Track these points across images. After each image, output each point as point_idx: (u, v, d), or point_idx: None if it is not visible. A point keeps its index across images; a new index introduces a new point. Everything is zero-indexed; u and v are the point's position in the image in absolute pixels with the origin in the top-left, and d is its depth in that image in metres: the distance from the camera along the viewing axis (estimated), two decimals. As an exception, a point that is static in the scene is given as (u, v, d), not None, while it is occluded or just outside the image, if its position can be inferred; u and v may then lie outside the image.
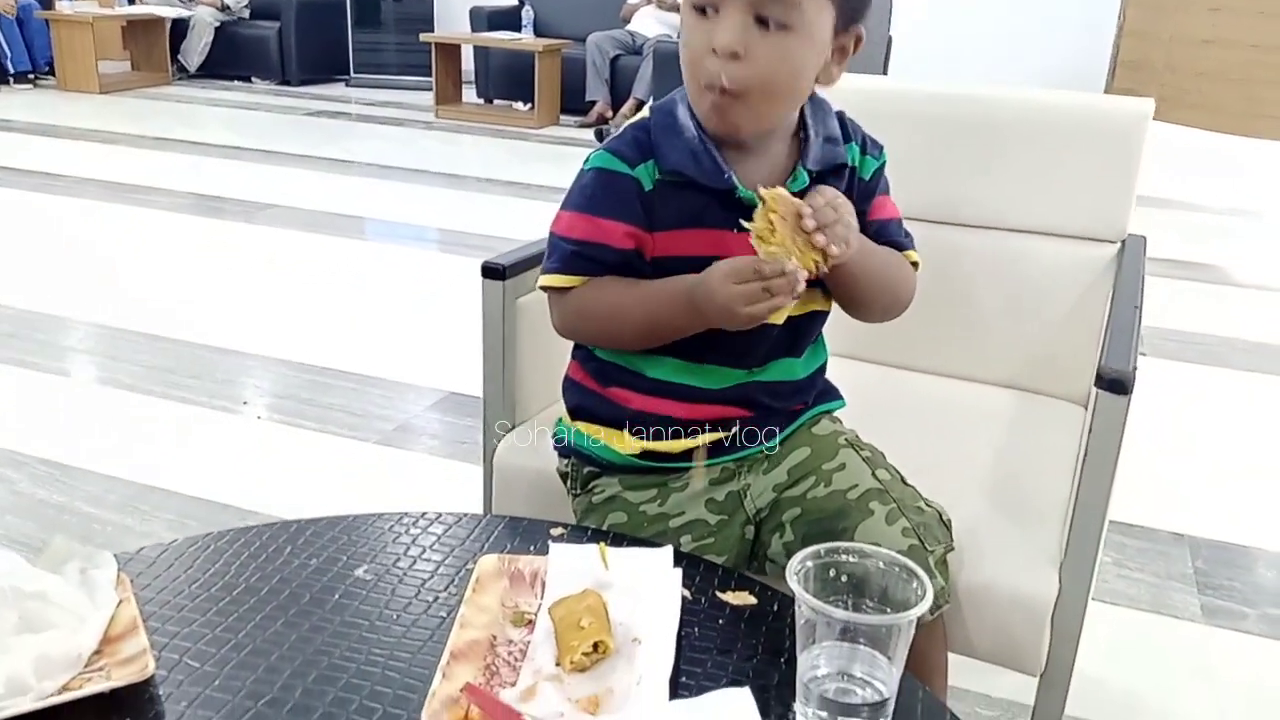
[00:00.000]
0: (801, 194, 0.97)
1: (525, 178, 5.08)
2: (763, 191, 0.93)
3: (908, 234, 1.15)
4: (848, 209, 0.97)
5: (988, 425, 1.37)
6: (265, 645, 0.81)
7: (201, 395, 2.54)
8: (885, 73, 5.26)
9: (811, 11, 0.95)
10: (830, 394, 1.18)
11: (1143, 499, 2.21)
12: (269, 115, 6.60)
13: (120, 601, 0.80)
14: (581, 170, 1.06)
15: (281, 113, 6.69)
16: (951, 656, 1.10)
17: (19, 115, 6.22)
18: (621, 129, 1.07)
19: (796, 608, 0.73)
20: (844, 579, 0.75)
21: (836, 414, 1.18)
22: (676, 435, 1.08)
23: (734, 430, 1.09)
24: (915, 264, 1.14)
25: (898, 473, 1.10)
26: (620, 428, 1.10)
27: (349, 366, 2.72)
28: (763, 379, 1.08)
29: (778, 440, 1.10)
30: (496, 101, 6.99)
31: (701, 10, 0.97)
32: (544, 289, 1.09)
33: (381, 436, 2.37)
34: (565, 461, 1.16)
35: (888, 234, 1.12)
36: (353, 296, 3.35)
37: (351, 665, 0.79)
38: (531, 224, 4.13)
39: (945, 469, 1.20)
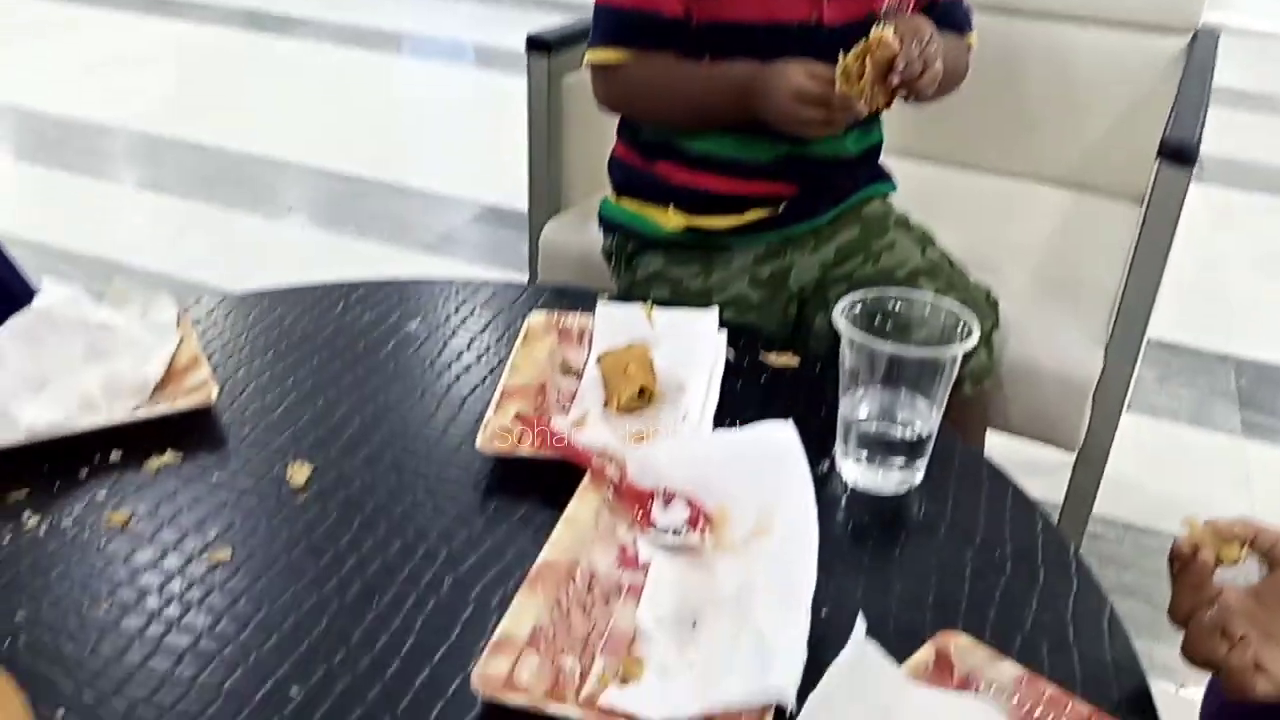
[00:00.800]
0: None
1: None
2: (873, 34, 0.89)
3: (968, 12, 1.10)
4: (935, 52, 0.92)
5: (1042, 220, 1.35)
6: (322, 384, 0.84)
7: (246, 201, 2.55)
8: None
9: None
10: (883, 177, 1.16)
11: (1189, 320, 2.19)
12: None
13: (182, 339, 0.83)
14: None
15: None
16: (989, 442, 1.12)
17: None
18: None
19: (841, 352, 0.74)
20: (890, 324, 0.75)
21: (891, 197, 1.16)
22: (722, 210, 1.07)
23: (781, 207, 1.07)
24: (970, 45, 1.10)
25: (946, 254, 1.08)
26: (665, 203, 1.09)
27: (390, 178, 2.71)
28: (812, 153, 1.06)
29: (826, 217, 1.09)
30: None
31: None
32: (591, 65, 1.06)
33: (423, 245, 2.38)
34: (610, 239, 1.16)
35: (952, 16, 1.08)
36: (393, 110, 3.31)
37: (405, 404, 0.82)
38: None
39: (997, 258, 1.19)
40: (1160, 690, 0.60)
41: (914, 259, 1.05)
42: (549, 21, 4.13)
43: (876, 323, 0.76)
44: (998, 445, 1.15)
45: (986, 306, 1.05)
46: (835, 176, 1.09)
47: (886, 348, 0.71)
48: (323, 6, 4.42)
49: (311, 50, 3.90)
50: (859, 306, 0.75)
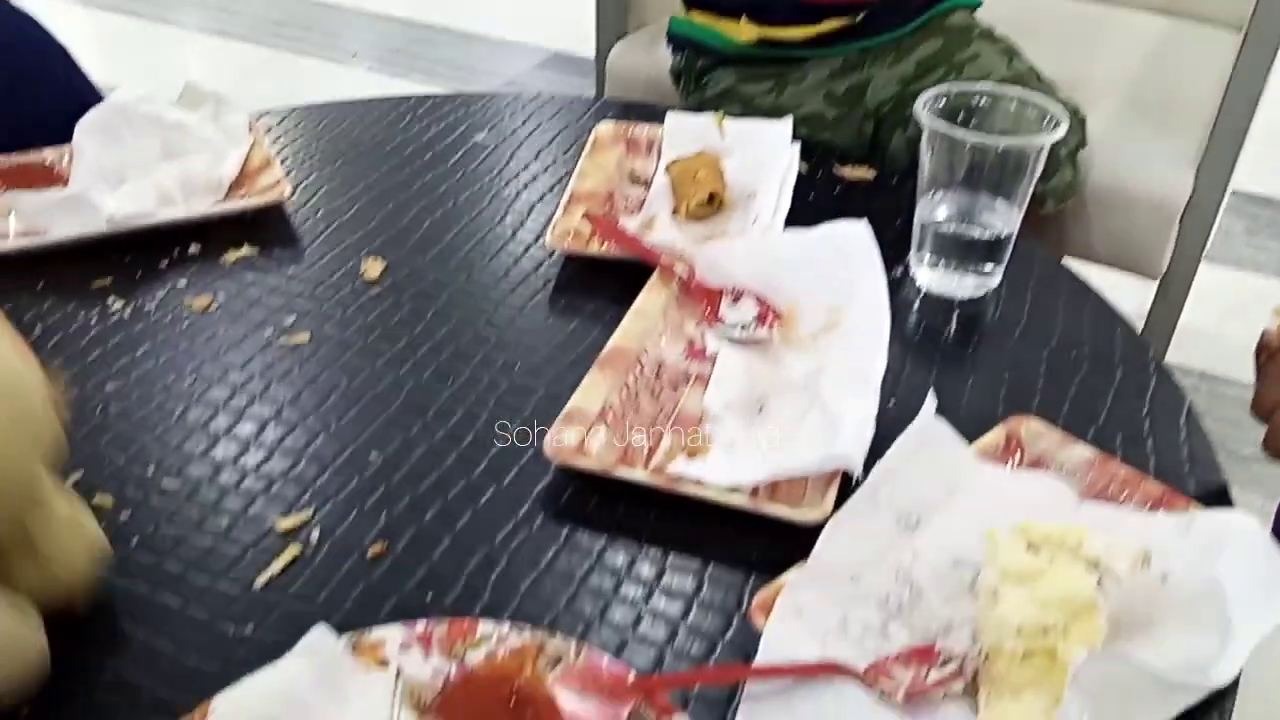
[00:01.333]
0: None
1: None
2: None
3: None
4: None
5: (1136, 44, 1.28)
6: (392, 189, 0.84)
7: (311, 46, 2.53)
8: None
9: None
10: None
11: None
12: None
13: (254, 143, 0.83)
14: None
15: None
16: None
17: None
18: None
19: (921, 151, 0.71)
20: (974, 120, 0.72)
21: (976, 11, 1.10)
22: (798, 20, 1.03)
23: (859, 15, 1.03)
24: None
25: (1034, 68, 1.04)
26: (738, 14, 1.05)
27: (454, 23, 2.66)
28: None
29: (908, 28, 1.04)
30: None
31: None
32: None
33: (493, 90, 2.35)
34: (679, 57, 1.13)
35: None
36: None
37: (474, 208, 0.82)
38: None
39: (1088, 80, 1.14)
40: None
41: (999, 70, 1.01)
42: None
43: (960, 119, 0.73)
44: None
45: (1075, 123, 1.00)
46: None
47: (970, 137, 0.68)
48: None
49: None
50: (943, 100, 0.72)
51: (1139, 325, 1.17)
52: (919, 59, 1.04)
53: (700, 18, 1.08)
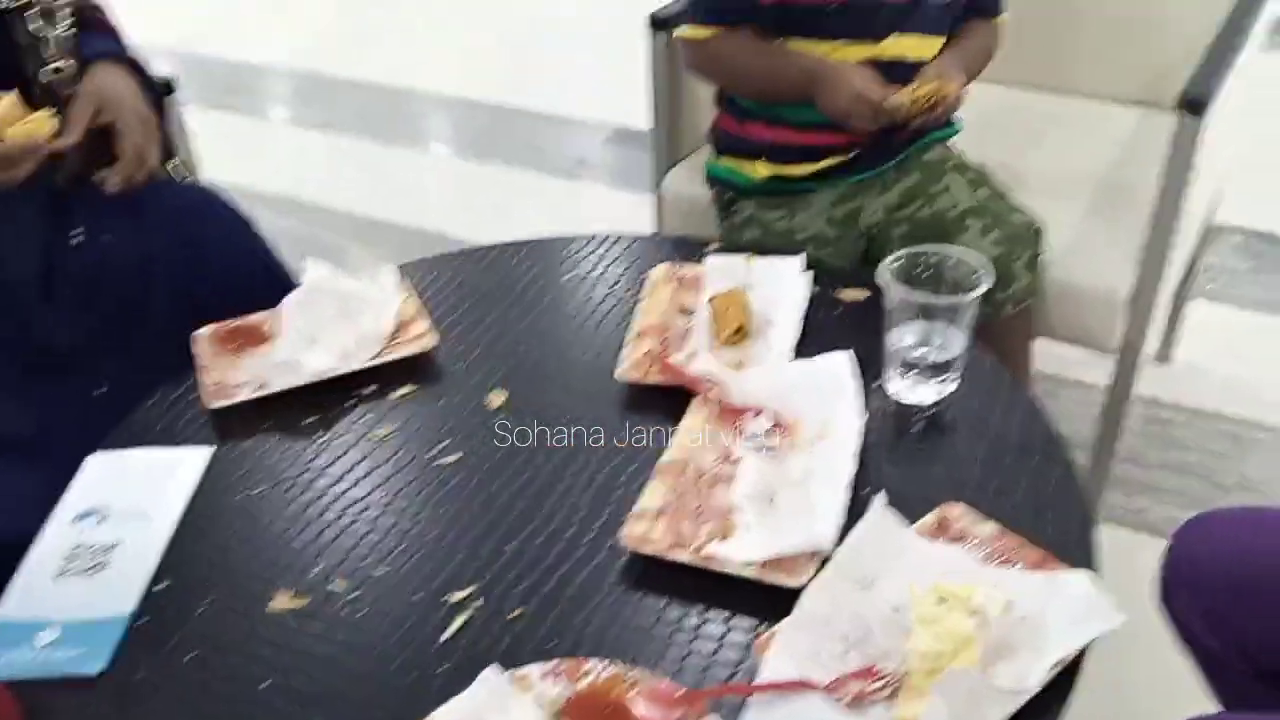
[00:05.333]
0: None
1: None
2: (938, 88, 1.17)
3: None
4: (954, 87, 1.19)
5: (1102, 138, 1.51)
6: (509, 325, 1.13)
7: (404, 135, 2.87)
8: None
9: None
10: (944, 122, 1.35)
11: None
12: None
13: (405, 297, 1.13)
14: None
15: None
16: (1044, 353, 1.33)
17: None
18: None
19: (885, 296, 0.98)
20: (924, 274, 0.98)
21: (952, 140, 1.36)
22: (802, 159, 1.30)
23: (852, 153, 1.29)
24: (999, 25, 1.33)
25: (999, 189, 1.29)
26: (755, 157, 1.32)
27: (526, 104, 2.97)
28: None
29: (890, 164, 1.30)
30: None
31: None
32: (682, 40, 1.29)
33: (561, 171, 2.65)
34: (713, 190, 1.41)
35: (985, 2, 1.30)
36: (525, 32, 3.54)
37: (565, 343, 1.11)
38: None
39: (1053, 180, 1.38)
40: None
41: (964, 200, 1.26)
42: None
43: (915, 272, 0.99)
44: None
45: (1030, 235, 1.25)
46: (897, 130, 1.29)
47: (917, 297, 0.94)
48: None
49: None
50: (899, 261, 0.98)
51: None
52: (901, 190, 1.31)
53: (727, 160, 1.36)
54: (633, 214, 2.42)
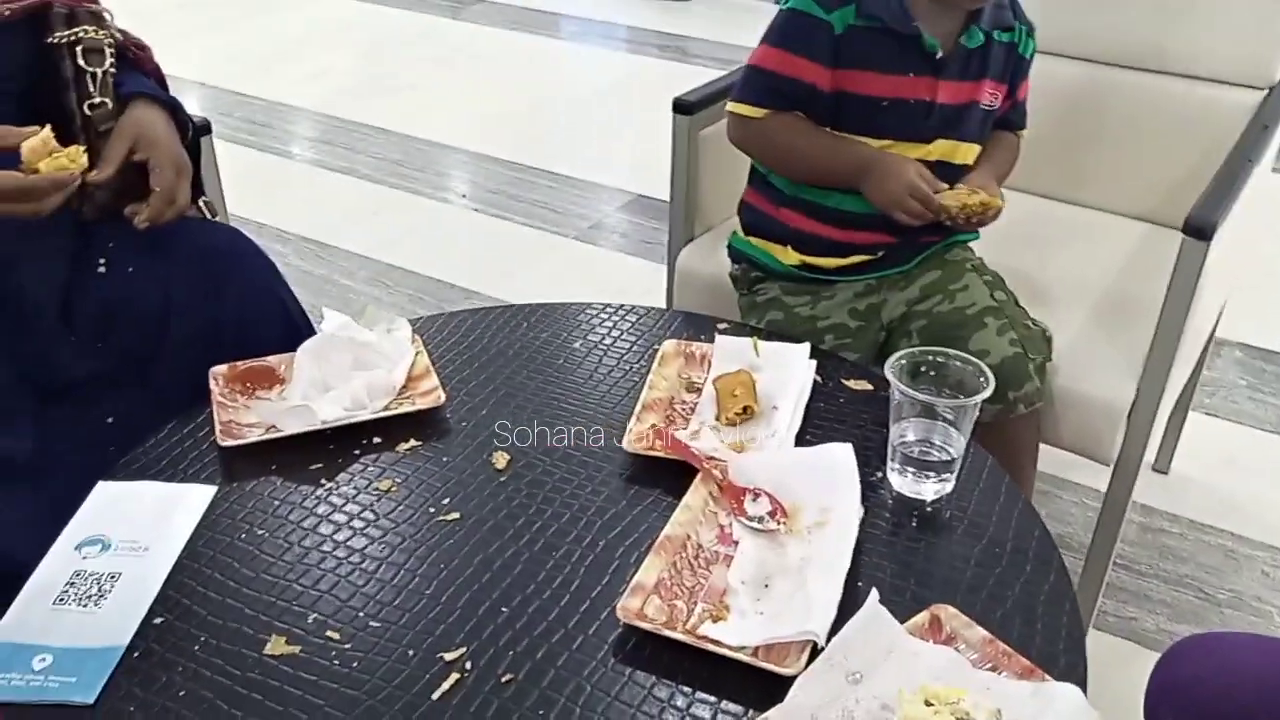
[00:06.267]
0: (976, 49, 1.26)
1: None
2: (986, 200, 1.23)
3: (1025, 112, 1.37)
4: (1000, 203, 1.25)
5: (1112, 252, 1.54)
6: (516, 388, 1.14)
7: (426, 186, 2.92)
8: None
9: None
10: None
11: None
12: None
13: (417, 352, 1.15)
14: (780, 9, 1.28)
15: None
16: (1045, 452, 1.35)
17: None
18: None
19: (891, 392, 1.00)
20: (930, 373, 1.01)
21: (971, 244, 1.39)
22: (832, 254, 1.33)
23: (879, 252, 1.32)
24: (1020, 137, 1.40)
25: (1013, 295, 1.32)
26: (785, 243, 1.35)
27: (550, 165, 3.03)
28: None
29: (914, 263, 1.33)
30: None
31: None
32: (731, 113, 1.32)
33: (578, 232, 2.70)
34: (736, 266, 1.44)
35: (1015, 115, 1.36)
36: (552, 94, 3.62)
37: (572, 409, 1.12)
38: (719, 28, 4.25)
39: (1063, 289, 1.41)
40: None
41: (983, 300, 1.29)
42: (696, 8, 4.31)
43: (921, 370, 1.01)
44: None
45: (1042, 342, 1.28)
46: (925, 232, 1.33)
47: (921, 396, 0.96)
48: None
49: (476, 33, 4.24)
50: (904, 360, 1.00)
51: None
52: (922, 285, 1.33)
53: (756, 241, 1.39)
54: (644, 281, 2.46)
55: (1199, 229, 1.15)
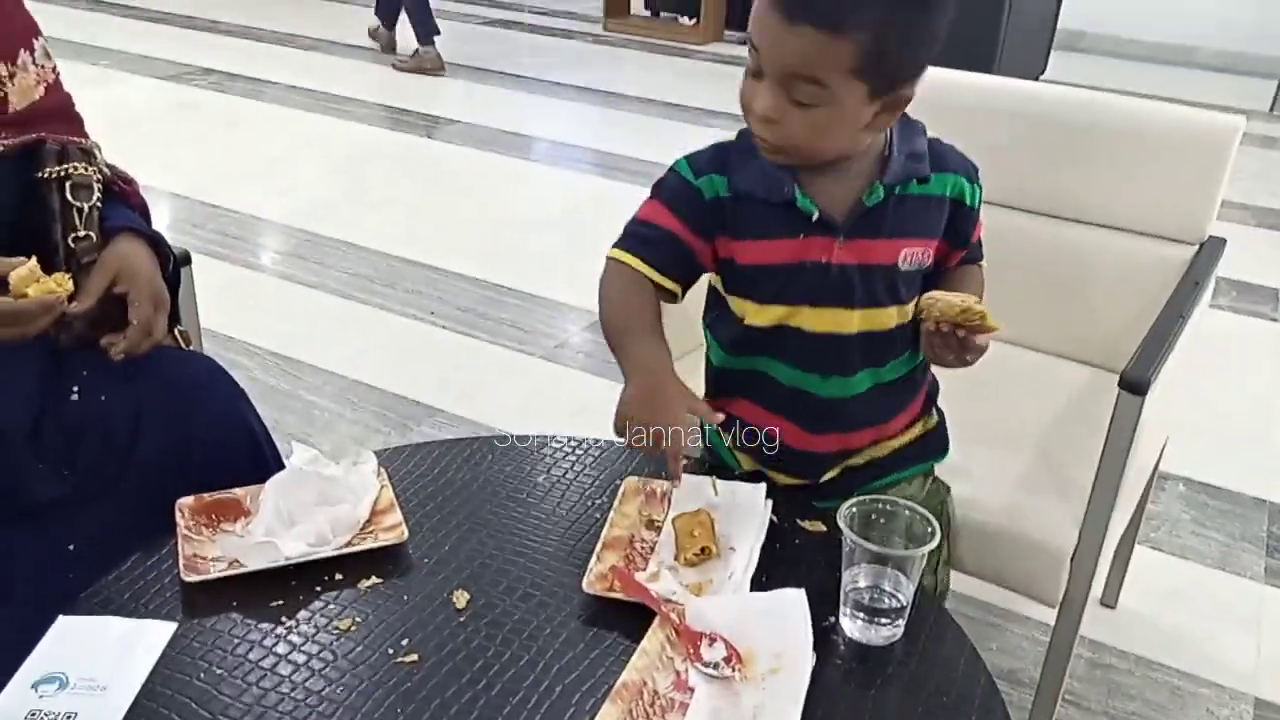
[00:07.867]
0: (876, 207, 1.17)
1: (684, 100, 5.30)
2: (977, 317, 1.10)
3: (981, 248, 1.33)
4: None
5: (1054, 395, 1.61)
6: (479, 524, 1.17)
7: (395, 303, 2.96)
8: (1047, 58, 5.21)
9: (840, 91, 1.06)
10: (931, 450, 1.35)
11: (1233, 465, 2.37)
12: (446, 23, 6.97)
13: (382, 486, 1.17)
14: (669, 168, 1.28)
15: (459, 20, 7.05)
16: (994, 587, 1.38)
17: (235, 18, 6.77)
18: (709, 144, 1.26)
19: (843, 539, 1.03)
20: (880, 520, 1.04)
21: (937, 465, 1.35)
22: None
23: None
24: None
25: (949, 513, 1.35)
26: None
27: (518, 284, 3.09)
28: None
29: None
30: (663, 15, 7.16)
31: (756, 72, 1.12)
32: (608, 257, 1.31)
33: (545, 351, 2.75)
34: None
35: (973, 252, 1.30)
36: (523, 214, 3.72)
37: (534, 546, 1.14)
38: (682, 147, 4.38)
39: (1005, 431, 1.47)
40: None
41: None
42: (662, 126, 4.46)
43: (871, 517, 1.05)
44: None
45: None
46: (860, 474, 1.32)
47: (872, 547, 1.00)
48: (466, 109, 4.92)
49: (450, 152, 4.37)
50: (855, 508, 1.04)
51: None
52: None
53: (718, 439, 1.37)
54: (607, 404, 2.48)
55: (1134, 384, 1.21)
